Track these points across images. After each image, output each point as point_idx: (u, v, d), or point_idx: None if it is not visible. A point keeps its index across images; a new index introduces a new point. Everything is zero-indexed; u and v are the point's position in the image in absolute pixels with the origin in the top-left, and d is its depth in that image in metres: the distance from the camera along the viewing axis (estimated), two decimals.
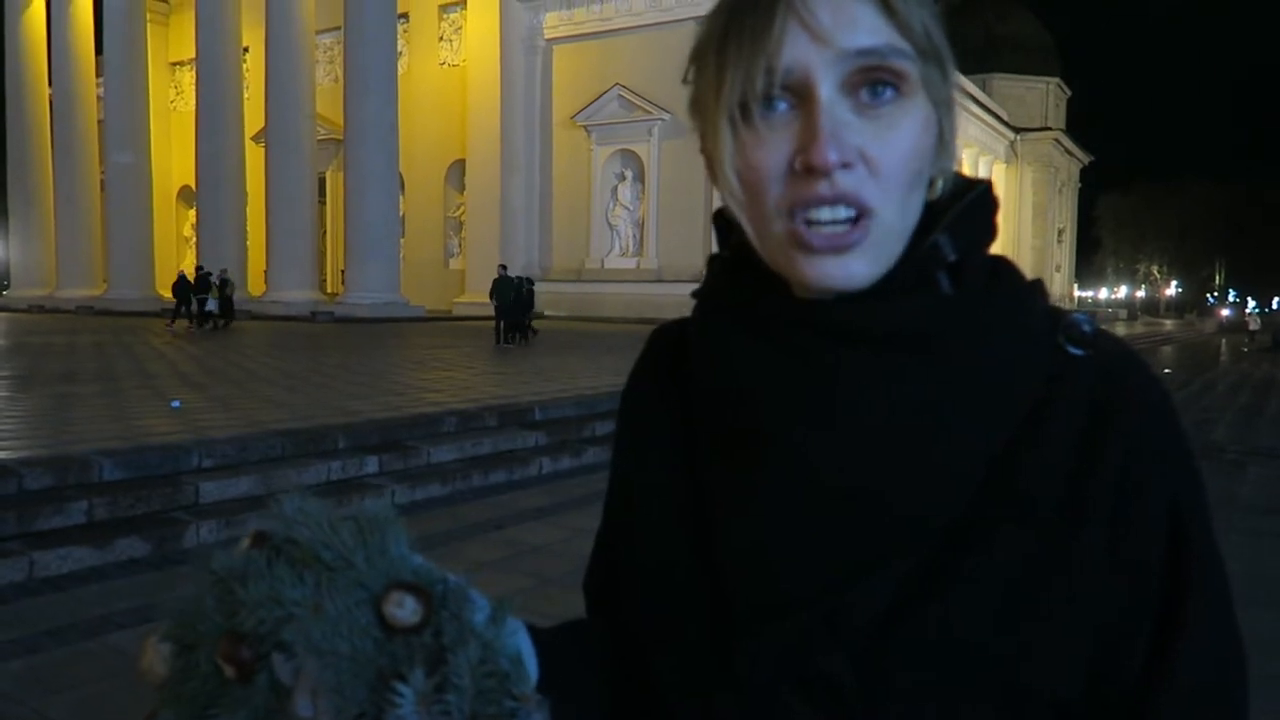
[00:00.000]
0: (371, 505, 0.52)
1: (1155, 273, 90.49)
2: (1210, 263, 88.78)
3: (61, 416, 7.20)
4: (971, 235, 0.60)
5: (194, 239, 33.36)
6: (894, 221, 0.56)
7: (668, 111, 28.63)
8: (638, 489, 0.69)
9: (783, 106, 0.55)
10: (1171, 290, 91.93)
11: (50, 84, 37.89)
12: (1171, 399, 0.60)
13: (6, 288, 43.13)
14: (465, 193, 32.41)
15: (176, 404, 7.92)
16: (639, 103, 29.29)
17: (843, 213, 0.55)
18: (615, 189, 30.42)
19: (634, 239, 30.25)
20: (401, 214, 29.14)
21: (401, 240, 28.87)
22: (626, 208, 30.28)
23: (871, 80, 0.54)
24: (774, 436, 0.58)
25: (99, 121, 35.60)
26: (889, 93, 0.55)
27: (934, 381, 0.56)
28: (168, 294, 27.07)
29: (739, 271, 0.63)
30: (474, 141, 31.41)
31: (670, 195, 29.05)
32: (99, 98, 35.82)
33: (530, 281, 19.22)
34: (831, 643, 0.56)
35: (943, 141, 0.59)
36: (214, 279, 22.94)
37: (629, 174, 30.19)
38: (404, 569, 0.51)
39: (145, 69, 33.89)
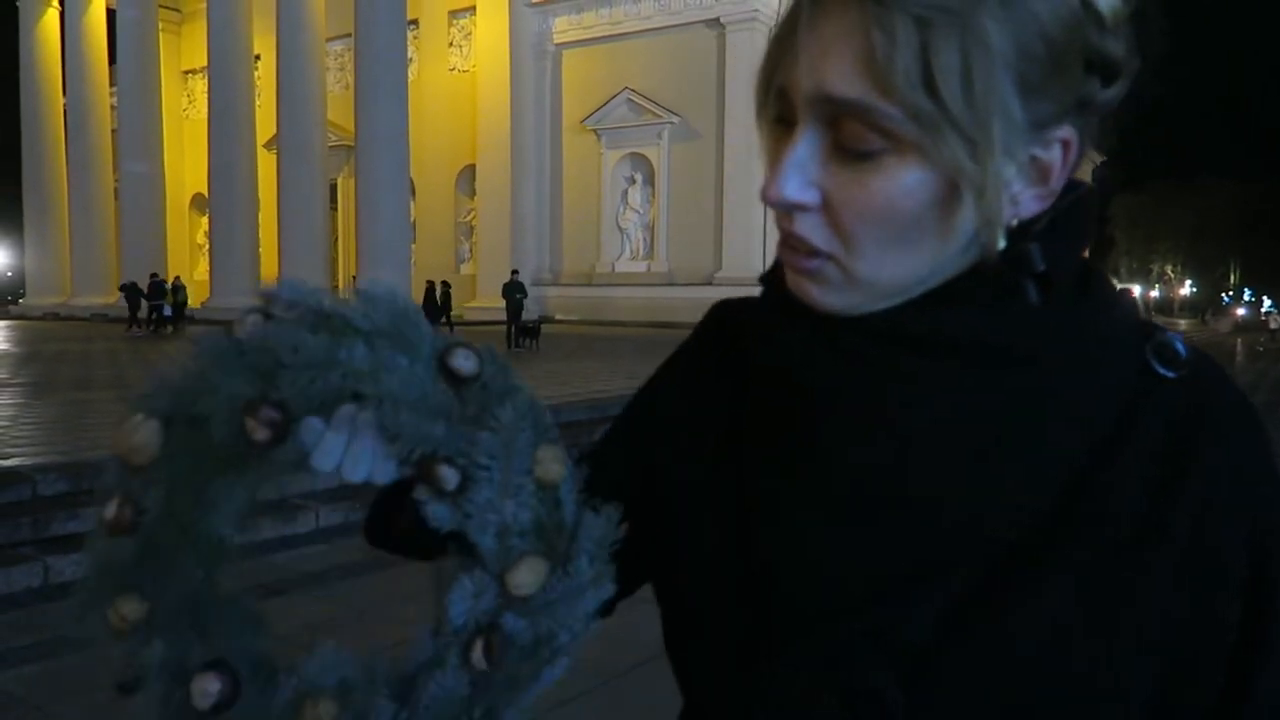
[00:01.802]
0: (377, 284, 0.56)
1: (1169, 272, 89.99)
2: (1225, 262, 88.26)
3: (76, 423, 7.23)
4: (1064, 243, 0.55)
5: (207, 246, 33.53)
6: (865, 275, 0.53)
7: (677, 115, 28.64)
8: (677, 471, 0.65)
9: (791, 128, 0.54)
10: (1186, 290, 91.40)
11: (64, 93, 38.19)
12: (1263, 426, 0.57)
13: (23, 295, 43.42)
14: (476, 198, 32.47)
15: None
16: (648, 106, 29.29)
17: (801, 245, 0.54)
18: (625, 193, 30.41)
19: (644, 242, 30.23)
20: (412, 220, 29.18)
21: (413, 246, 28.92)
22: (637, 211, 30.25)
23: (860, 126, 0.50)
24: (831, 441, 0.56)
25: (113, 130, 35.83)
26: (875, 144, 0.50)
27: (1011, 394, 0.54)
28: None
29: None
30: (484, 147, 31.47)
31: (681, 198, 29.03)
32: (112, 107, 36.06)
33: (518, 287, 19.34)
34: (880, 657, 0.54)
35: (954, 218, 0.51)
36: (167, 286, 24.27)
37: (639, 177, 30.17)
38: (437, 335, 0.57)
39: (158, 78, 34.09)
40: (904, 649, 0.53)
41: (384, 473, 0.57)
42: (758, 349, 0.62)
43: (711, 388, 0.67)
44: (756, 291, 0.65)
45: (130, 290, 25.02)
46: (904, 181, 0.50)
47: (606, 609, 0.66)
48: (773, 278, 0.63)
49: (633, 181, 30.30)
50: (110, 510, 0.56)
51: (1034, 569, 0.53)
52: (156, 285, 24.20)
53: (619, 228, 30.53)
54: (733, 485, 0.61)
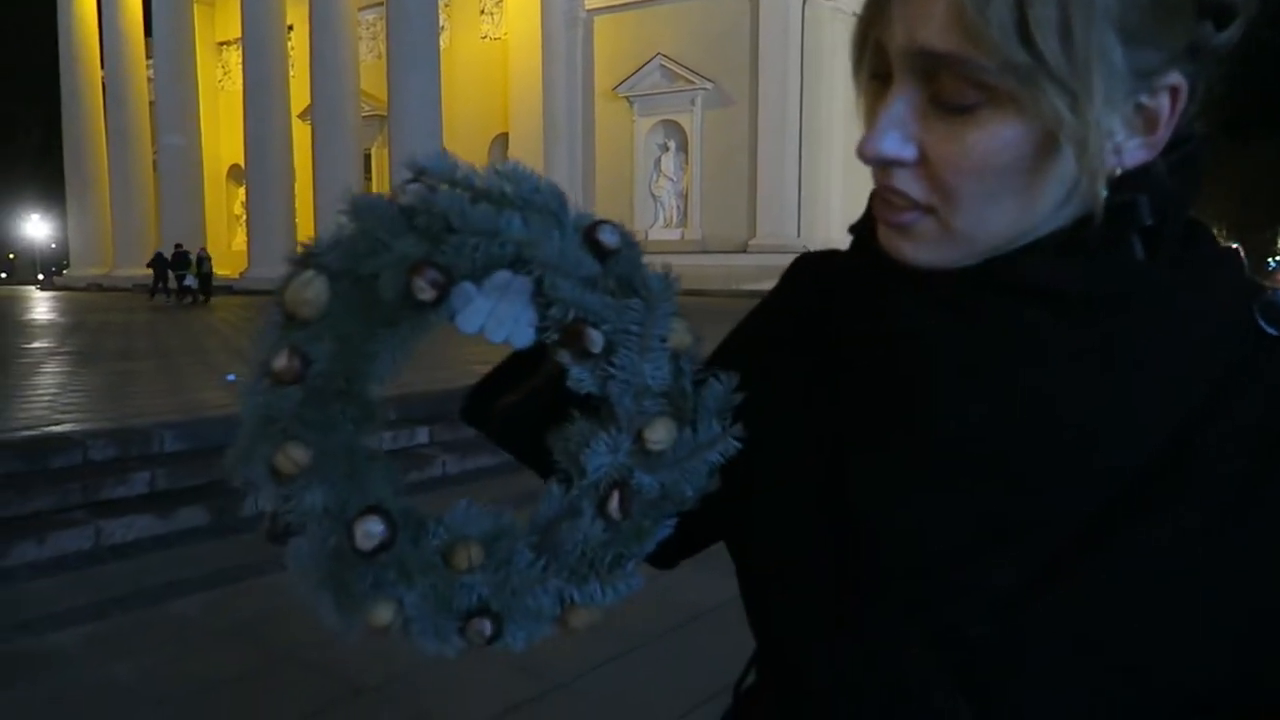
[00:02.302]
0: (515, 163, 0.60)
1: (1217, 235, 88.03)
2: (1273, 225, 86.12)
3: (121, 391, 7.39)
4: (1174, 195, 0.54)
5: (244, 217, 33.87)
6: (964, 229, 0.53)
7: (710, 81, 28.33)
8: (763, 426, 0.65)
9: (887, 84, 0.54)
10: None
11: (102, 67, 38.61)
12: None
13: (67, 267, 44.23)
14: None
15: (232, 377, 8.08)
16: (681, 72, 28.98)
17: (899, 200, 0.54)
18: (658, 160, 30.20)
19: (678, 210, 30.05)
20: None
21: None
22: (670, 179, 30.06)
23: (956, 79, 0.49)
24: (929, 391, 0.56)
25: (150, 103, 36.22)
26: (972, 97, 0.49)
27: (1116, 349, 0.53)
28: (221, 270, 28.72)
29: None
30: (516, 115, 31.39)
31: (714, 166, 28.78)
32: (149, 80, 36.42)
33: None
34: (969, 602, 0.54)
35: (1054, 170, 0.51)
36: (192, 257, 24.69)
37: (672, 145, 29.94)
38: (578, 212, 0.61)
39: (193, 50, 34.34)
40: (994, 594, 0.53)
41: (521, 337, 0.60)
42: (855, 304, 0.62)
43: (799, 344, 0.67)
44: (788, 260, 0.65)
45: (157, 261, 26.00)
46: (1002, 135, 0.49)
47: (669, 561, 0.70)
48: (863, 229, 0.62)
49: (666, 149, 30.09)
50: (281, 360, 0.59)
51: (1126, 528, 0.52)
52: (180, 256, 24.93)
53: (652, 195, 30.37)
54: (823, 441, 0.62)
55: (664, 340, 0.60)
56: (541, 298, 0.59)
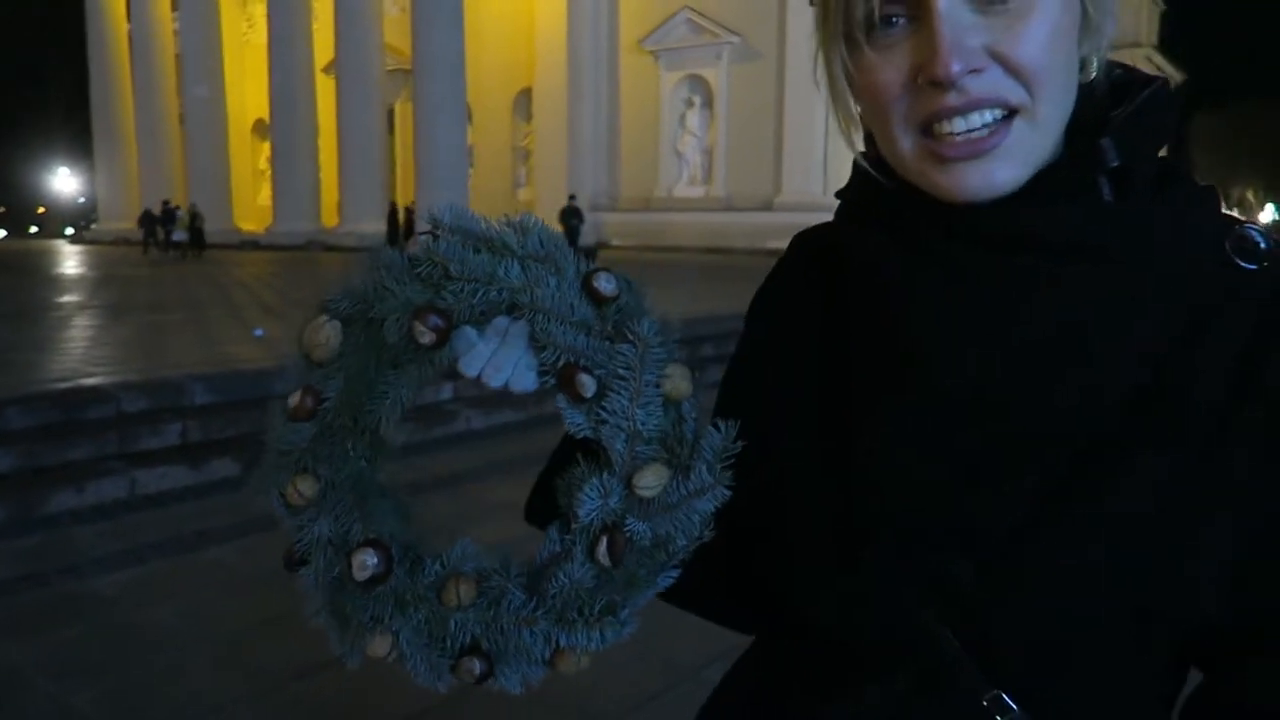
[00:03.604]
0: (528, 216, 0.62)
1: (1250, 197, 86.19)
2: None
3: (153, 343, 7.51)
4: (1141, 138, 0.56)
5: (269, 173, 33.96)
6: (1046, 115, 0.55)
7: (737, 34, 27.92)
8: (772, 388, 0.68)
9: (900, 22, 0.55)
10: (1266, 215, 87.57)
11: (129, 20, 38.55)
12: None
13: (95, 221, 44.58)
14: (532, 122, 32.26)
15: (259, 332, 8.18)
16: (707, 25, 28.57)
17: (987, 117, 0.54)
18: (683, 116, 29.91)
19: (702, 167, 29.81)
20: (469, 144, 29.16)
21: (470, 171, 28.95)
22: (695, 135, 29.78)
23: None
24: (918, 345, 0.57)
25: (175, 56, 36.18)
26: None
27: (1087, 293, 0.54)
28: (247, 226, 29.49)
29: (883, 172, 0.62)
30: (541, 69, 31.10)
31: (739, 122, 28.48)
32: (175, 32, 36.33)
33: (575, 212, 19.44)
34: (960, 549, 0.56)
35: (1088, 19, 0.56)
36: (181, 213, 26.19)
37: (697, 100, 29.62)
38: (580, 260, 0.63)
39: (218, 2, 34.19)
40: (982, 537, 0.56)
41: (521, 381, 0.63)
42: (851, 269, 0.64)
43: (804, 316, 0.69)
44: (816, 218, 0.67)
45: (145, 218, 27.51)
46: (1049, 6, 0.53)
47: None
48: (851, 196, 0.65)
49: (690, 104, 29.77)
50: (295, 398, 0.64)
51: (1108, 470, 0.54)
52: (168, 212, 26.28)
53: (677, 152, 30.12)
54: (830, 399, 0.64)
55: (657, 386, 0.61)
56: (537, 342, 0.61)
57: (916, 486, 0.58)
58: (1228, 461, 0.53)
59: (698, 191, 29.86)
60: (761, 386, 0.69)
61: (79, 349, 7.07)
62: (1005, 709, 0.56)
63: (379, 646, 0.64)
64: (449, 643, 0.64)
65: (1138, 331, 0.55)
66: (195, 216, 26.10)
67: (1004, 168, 0.55)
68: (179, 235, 25.84)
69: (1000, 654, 0.56)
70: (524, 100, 32.74)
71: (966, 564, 0.56)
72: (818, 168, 26.75)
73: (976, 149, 0.54)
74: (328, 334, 0.62)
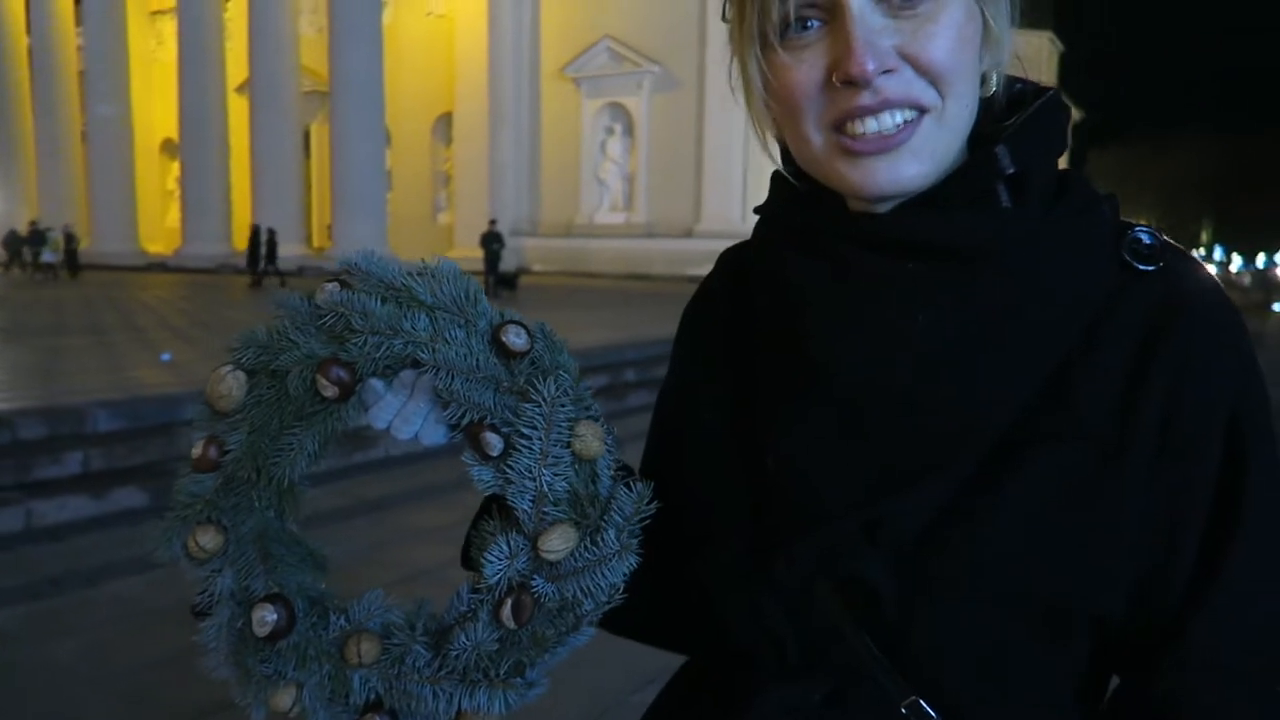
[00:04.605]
0: (445, 263, 0.61)
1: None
2: (1198, 220, 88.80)
3: (52, 367, 7.19)
4: (1035, 146, 0.59)
5: (178, 193, 32.93)
6: (954, 115, 0.56)
7: (658, 64, 28.26)
8: (694, 400, 0.70)
9: (814, 25, 0.56)
10: None
11: (29, 34, 37.07)
12: (1238, 314, 0.59)
13: None
14: (452, 146, 32.04)
15: (167, 356, 7.91)
16: (628, 55, 28.86)
17: (899, 118, 0.55)
18: (604, 143, 30.08)
19: (624, 194, 29.99)
20: (388, 168, 28.79)
21: (389, 195, 28.55)
22: (616, 162, 29.97)
23: None
24: (820, 349, 0.59)
25: (79, 72, 34.91)
26: None
27: (985, 296, 0.56)
28: (154, 248, 28.39)
29: (798, 188, 0.64)
30: (461, 94, 30.95)
31: (660, 149, 28.76)
32: (79, 48, 35.08)
33: (496, 237, 19.32)
34: (869, 549, 0.57)
35: (988, 31, 0.58)
36: (54, 234, 25.49)
37: (618, 128, 29.84)
38: (493, 311, 0.61)
39: (125, 18, 33.16)
40: (895, 540, 0.57)
41: (432, 434, 0.62)
42: (759, 275, 0.66)
43: (721, 327, 0.71)
44: (733, 244, 0.70)
45: (10, 238, 27.34)
46: (959, 7, 0.56)
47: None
48: (765, 209, 0.67)
49: (612, 132, 29.97)
50: (198, 449, 0.62)
51: (1011, 469, 0.56)
52: (36, 234, 25.69)
53: (598, 179, 30.25)
54: (742, 402, 0.66)
55: (567, 445, 0.60)
56: (441, 397, 0.60)
57: (824, 491, 0.60)
58: (1120, 463, 0.56)
59: (619, 218, 30.00)
60: (689, 404, 0.71)
61: None
62: (923, 715, 0.57)
63: (282, 700, 0.63)
64: (351, 699, 0.63)
65: (1036, 334, 0.57)
66: (70, 238, 25.73)
67: (912, 163, 0.57)
68: (49, 256, 25.16)
69: (917, 657, 0.57)
70: (444, 124, 32.51)
71: (880, 566, 0.57)
72: (737, 196, 27.17)
73: (886, 144, 0.56)
74: (230, 384, 0.61)
